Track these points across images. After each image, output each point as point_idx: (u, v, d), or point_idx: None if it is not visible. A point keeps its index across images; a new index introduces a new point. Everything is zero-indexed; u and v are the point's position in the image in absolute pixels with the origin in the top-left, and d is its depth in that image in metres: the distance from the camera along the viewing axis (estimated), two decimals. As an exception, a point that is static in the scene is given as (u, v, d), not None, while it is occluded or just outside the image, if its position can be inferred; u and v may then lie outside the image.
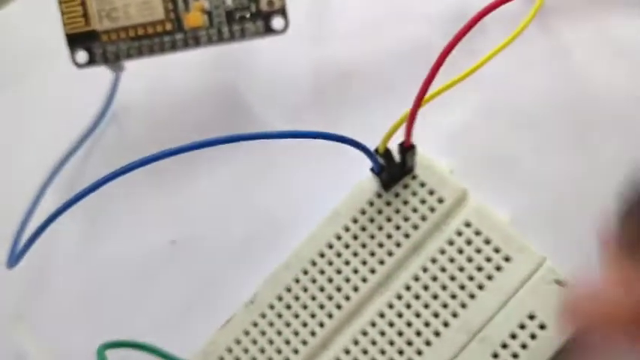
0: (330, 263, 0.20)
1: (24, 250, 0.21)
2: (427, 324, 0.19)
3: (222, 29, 0.23)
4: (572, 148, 0.22)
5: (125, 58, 0.23)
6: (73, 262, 0.23)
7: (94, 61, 0.23)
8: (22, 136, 0.26)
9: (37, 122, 0.26)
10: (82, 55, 0.23)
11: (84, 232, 0.24)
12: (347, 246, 0.20)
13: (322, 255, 0.20)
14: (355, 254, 0.20)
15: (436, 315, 0.19)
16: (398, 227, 0.20)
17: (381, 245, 0.20)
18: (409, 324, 0.19)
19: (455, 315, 0.19)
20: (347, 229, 0.20)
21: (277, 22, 0.22)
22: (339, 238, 0.20)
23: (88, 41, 0.23)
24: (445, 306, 0.19)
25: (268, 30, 0.22)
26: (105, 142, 0.25)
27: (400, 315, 0.19)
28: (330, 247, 0.20)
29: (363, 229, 0.20)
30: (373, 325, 0.19)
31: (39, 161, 0.25)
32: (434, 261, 0.19)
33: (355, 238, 0.20)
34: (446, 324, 0.19)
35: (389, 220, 0.20)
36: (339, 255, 0.20)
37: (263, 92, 0.25)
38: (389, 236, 0.20)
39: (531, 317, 0.18)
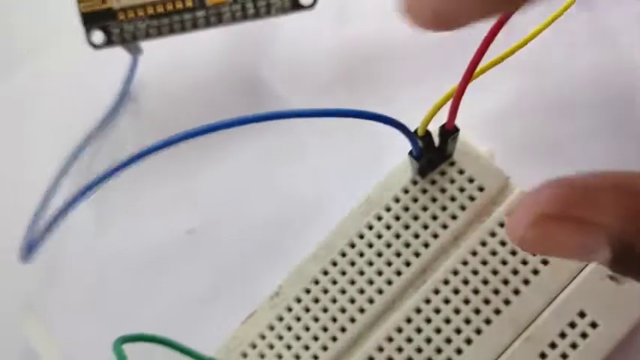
0: (361, 254, 0.18)
1: (39, 241, 0.20)
2: (468, 321, 0.17)
3: (247, 5, 0.21)
4: (616, 134, 0.21)
5: (143, 38, 0.22)
6: (87, 253, 0.22)
7: (111, 41, 0.22)
8: (38, 117, 0.25)
9: (54, 104, 0.25)
10: (98, 35, 0.22)
11: (98, 221, 0.22)
12: (379, 236, 0.18)
13: (353, 245, 0.19)
14: (388, 245, 0.18)
15: (477, 311, 0.17)
16: (435, 217, 0.18)
17: (416, 236, 0.18)
18: (448, 320, 0.17)
19: (498, 312, 0.17)
20: (379, 218, 0.19)
21: None
22: (370, 227, 0.19)
23: (104, 20, 0.22)
24: (487, 302, 0.17)
25: (296, 5, 0.21)
26: (123, 126, 0.24)
27: (438, 311, 0.18)
28: (361, 237, 0.19)
29: (397, 218, 0.19)
30: (409, 321, 0.18)
31: (55, 146, 0.23)
32: (474, 254, 0.18)
33: (388, 227, 0.18)
34: (488, 321, 0.17)
35: (425, 209, 0.18)
36: (370, 246, 0.18)
37: (287, 72, 0.23)
38: (425, 226, 0.18)
39: (582, 315, 0.17)
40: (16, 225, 0.21)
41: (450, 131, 0.17)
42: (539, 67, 0.21)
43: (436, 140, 0.18)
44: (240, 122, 0.15)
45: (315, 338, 0.18)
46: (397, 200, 0.19)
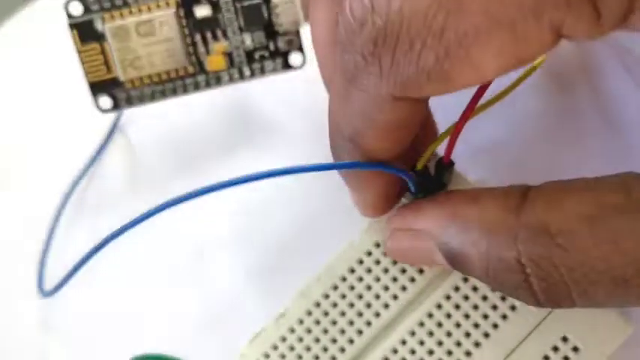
0: (361, 279, 0.20)
1: (64, 283, 0.21)
2: (459, 343, 0.19)
3: (243, 68, 0.24)
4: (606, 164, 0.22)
5: (149, 102, 0.24)
6: (95, 273, 0.23)
7: (118, 106, 0.24)
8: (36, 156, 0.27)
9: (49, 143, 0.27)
10: (105, 101, 0.24)
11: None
12: (378, 262, 0.20)
13: (352, 271, 0.20)
14: (386, 271, 0.20)
15: (467, 335, 0.19)
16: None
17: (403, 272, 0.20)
18: (440, 343, 0.19)
19: (486, 335, 0.19)
20: (378, 246, 0.20)
21: (295, 59, 0.23)
22: (369, 254, 0.20)
23: (111, 88, 0.24)
24: (476, 326, 0.19)
25: (287, 66, 0.23)
26: (113, 160, 0.26)
27: (431, 333, 0.19)
28: (361, 262, 0.20)
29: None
30: (404, 343, 0.19)
31: (53, 182, 0.25)
32: (466, 280, 0.19)
33: (386, 255, 0.20)
34: (477, 344, 0.19)
35: (420, 239, 0.20)
36: (369, 271, 0.20)
37: (282, 109, 0.25)
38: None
39: (564, 339, 0.18)
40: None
41: (446, 164, 0.19)
42: (523, 98, 0.23)
43: (431, 171, 0.19)
44: (231, 184, 0.17)
45: (316, 358, 0.19)
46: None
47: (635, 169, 0.17)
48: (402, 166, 0.18)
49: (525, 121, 0.23)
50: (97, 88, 0.24)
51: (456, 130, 0.18)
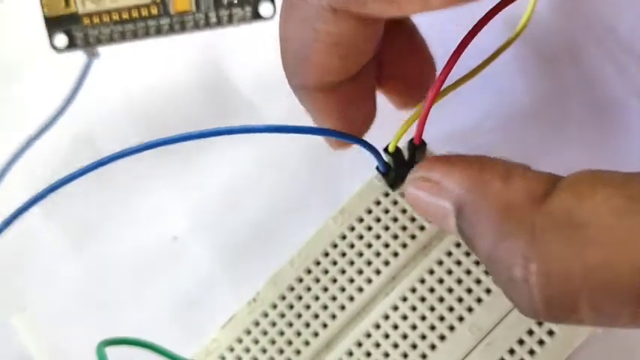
0: (334, 263, 0.19)
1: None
2: (432, 327, 0.18)
3: (210, 14, 0.22)
4: (587, 144, 0.21)
5: (107, 43, 0.22)
6: (75, 257, 0.23)
7: (75, 44, 0.22)
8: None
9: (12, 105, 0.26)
10: (61, 39, 0.22)
11: (85, 226, 0.23)
12: (352, 246, 0.19)
13: (326, 254, 0.20)
14: (360, 254, 0.19)
15: (442, 318, 0.18)
16: (404, 227, 0.19)
17: (386, 246, 0.19)
18: (414, 327, 0.18)
19: (461, 319, 0.18)
20: (352, 229, 0.20)
21: (265, 8, 0.22)
22: (343, 237, 0.20)
23: (68, 24, 0.22)
24: (451, 309, 0.18)
25: (256, 16, 0.22)
26: (79, 128, 0.24)
27: (405, 317, 0.19)
28: (335, 246, 0.20)
29: (369, 228, 0.20)
30: (377, 327, 0.19)
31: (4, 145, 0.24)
32: (440, 263, 0.19)
33: (360, 237, 0.19)
34: (452, 328, 0.18)
35: (395, 220, 0.19)
36: (343, 255, 0.19)
37: (256, 81, 0.24)
38: (395, 236, 0.19)
39: (539, 323, 0.18)
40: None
41: (417, 146, 0.18)
42: (500, 83, 0.22)
43: (406, 154, 0.19)
44: (211, 134, 0.16)
45: (289, 343, 0.19)
46: (369, 211, 0.20)
47: (615, 152, 0.16)
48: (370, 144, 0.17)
49: (502, 104, 0.22)
50: (53, 23, 0.22)
51: (425, 108, 0.17)
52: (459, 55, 0.16)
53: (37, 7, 0.22)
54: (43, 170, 0.23)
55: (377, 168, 0.19)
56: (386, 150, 0.18)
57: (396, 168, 0.19)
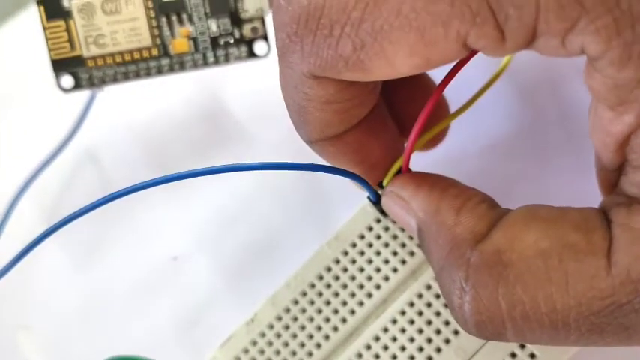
0: (329, 286, 0.20)
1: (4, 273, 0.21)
2: (421, 349, 0.20)
3: (207, 54, 0.23)
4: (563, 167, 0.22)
5: (111, 83, 0.23)
6: (77, 277, 0.24)
7: (80, 85, 0.23)
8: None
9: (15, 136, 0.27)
10: (67, 80, 0.23)
11: (87, 246, 0.24)
12: (345, 270, 0.20)
13: (321, 278, 0.21)
14: (353, 278, 0.20)
15: (429, 340, 0.19)
16: (395, 253, 0.20)
17: (378, 270, 0.20)
18: (403, 348, 0.20)
19: (447, 341, 0.19)
20: (346, 253, 0.21)
21: (260, 48, 0.23)
22: (337, 261, 0.21)
23: (73, 66, 0.23)
24: (438, 332, 0.20)
25: (251, 55, 0.23)
26: (86, 155, 0.26)
27: (394, 339, 0.20)
28: (329, 270, 0.21)
29: (362, 253, 0.21)
30: (368, 348, 0.20)
31: (11, 175, 0.25)
32: (428, 287, 0.20)
33: (353, 262, 0.20)
34: (438, 349, 0.19)
35: (386, 245, 0.20)
36: (337, 278, 0.20)
37: (252, 109, 0.25)
38: (386, 261, 0.20)
39: (522, 346, 0.19)
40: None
41: None
42: (489, 114, 0.23)
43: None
44: (204, 173, 0.17)
45: (285, 361, 0.20)
46: (362, 237, 0.21)
47: (592, 179, 0.17)
48: (364, 178, 0.19)
49: (485, 132, 0.23)
50: (59, 65, 0.23)
51: (408, 147, 0.18)
52: (432, 104, 0.17)
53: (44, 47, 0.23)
54: (52, 194, 0.24)
55: (368, 197, 0.20)
56: (380, 185, 0.19)
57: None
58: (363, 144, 0.18)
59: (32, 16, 0.24)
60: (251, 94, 0.25)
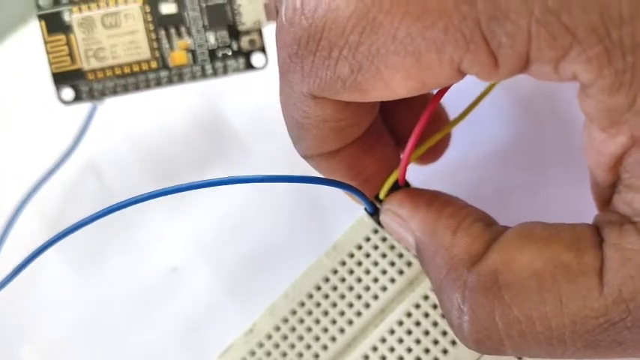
0: (326, 297, 0.21)
1: (5, 283, 0.21)
2: (418, 359, 0.20)
3: (206, 66, 0.24)
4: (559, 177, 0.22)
5: (111, 95, 0.24)
6: (77, 288, 0.24)
7: (80, 98, 0.24)
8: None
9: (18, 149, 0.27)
10: (67, 93, 0.24)
11: (87, 258, 0.24)
12: (343, 280, 0.21)
13: (319, 288, 0.21)
14: (351, 288, 0.21)
15: (427, 351, 0.20)
16: (392, 264, 0.21)
17: (375, 280, 0.20)
18: (401, 358, 0.20)
19: (445, 352, 0.19)
20: (343, 264, 0.21)
21: (258, 60, 0.23)
22: (335, 272, 0.21)
23: (74, 79, 0.24)
24: (436, 342, 0.20)
25: (249, 66, 0.23)
26: (87, 165, 0.26)
27: (392, 349, 0.20)
28: (327, 280, 0.21)
29: (359, 263, 0.21)
30: (366, 358, 0.20)
31: (14, 186, 0.25)
32: (426, 298, 0.20)
33: (351, 272, 0.21)
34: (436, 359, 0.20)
35: (384, 256, 0.21)
36: (335, 289, 0.21)
37: (250, 120, 0.25)
38: (384, 272, 0.20)
39: (519, 358, 0.19)
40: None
41: (401, 187, 0.19)
42: (485, 123, 0.23)
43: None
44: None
45: (283, 372, 0.20)
46: (360, 247, 0.21)
47: (589, 196, 0.17)
48: (360, 189, 0.19)
49: (482, 142, 0.23)
50: (60, 78, 0.24)
51: (404, 159, 0.18)
52: (426, 119, 0.17)
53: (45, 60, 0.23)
54: (54, 205, 0.24)
55: (365, 209, 0.20)
56: (377, 197, 0.19)
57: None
58: (359, 159, 0.18)
59: (34, 29, 0.24)
60: (249, 105, 0.25)
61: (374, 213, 0.20)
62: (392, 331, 0.20)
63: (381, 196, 0.19)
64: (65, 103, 0.24)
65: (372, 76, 0.14)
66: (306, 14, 0.15)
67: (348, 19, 0.14)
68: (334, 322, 0.20)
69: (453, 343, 0.19)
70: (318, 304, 0.21)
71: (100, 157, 0.26)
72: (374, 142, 0.19)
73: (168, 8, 0.24)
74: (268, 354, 0.20)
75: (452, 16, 0.13)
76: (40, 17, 0.23)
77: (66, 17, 0.23)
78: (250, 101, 0.25)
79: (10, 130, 0.27)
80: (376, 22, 0.14)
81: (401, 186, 0.19)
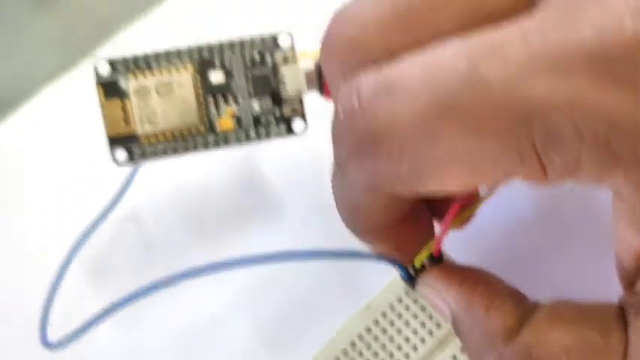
0: (361, 354, 0.22)
1: (71, 340, 0.22)
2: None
3: (250, 131, 0.25)
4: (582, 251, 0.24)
5: (161, 157, 0.25)
6: (112, 339, 0.25)
7: (133, 159, 0.25)
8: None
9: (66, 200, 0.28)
10: (121, 154, 0.25)
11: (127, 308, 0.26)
12: (376, 338, 0.22)
13: (354, 345, 0.22)
14: (383, 347, 0.22)
15: (455, 409, 0.21)
16: (423, 324, 0.22)
17: (407, 340, 0.22)
18: (430, 416, 0.21)
19: (472, 411, 0.21)
20: (377, 323, 0.22)
21: (298, 125, 0.25)
22: (369, 330, 0.22)
23: (127, 142, 0.25)
24: (463, 402, 0.21)
25: (290, 131, 0.25)
26: (131, 219, 0.27)
27: (422, 407, 0.21)
28: (361, 338, 0.22)
29: (392, 323, 0.22)
30: (397, 415, 0.21)
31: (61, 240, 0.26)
32: (454, 358, 0.21)
33: (384, 331, 0.22)
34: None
35: (415, 316, 0.22)
36: (369, 347, 0.22)
37: (287, 178, 0.27)
38: (415, 332, 0.22)
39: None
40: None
41: (437, 258, 0.21)
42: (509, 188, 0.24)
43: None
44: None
45: None
46: (392, 308, 0.22)
47: (610, 265, 0.19)
48: (397, 259, 0.21)
49: (504, 213, 0.24)
50: (114, 141, 0.25)
51: (439, 236, 0.20)
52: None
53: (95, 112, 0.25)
54: (98, 259, 0.26)
55: (400, 275, 0.21)
56: (413, 266, 0.21)
57: (417, 275, 0.21)
58: (401, 233, 0.20)
59: (83, 73, 0.26)
60: (287, 164, 0.27)
61: (408, 279, 0.21)
62: (422, 390, 0.21)
63: (417, 264, 0.20)
64: (118, 164, 0.25)
65: (429, 178, 0.16)
66: (366, 114, 0.16)
67: (409, 125, 0.15)
68: (367, 378, 0.22)
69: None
70: (352, 362, 0.22)
71: (142, 210, 0.28)
72: (414, 217, 0.20)
73: (217, 77, 0.25)
74: (304, 408, 0.22)
75: (509, 136, 0.14)
76: (99, 84, 0.25)
77: (122, 84, 0.25)
78: (289, 161, 0.27)
79: (57, 181, 0.29)
80: (437, 134, 0.15)
81: (435, 258, 0.21)
